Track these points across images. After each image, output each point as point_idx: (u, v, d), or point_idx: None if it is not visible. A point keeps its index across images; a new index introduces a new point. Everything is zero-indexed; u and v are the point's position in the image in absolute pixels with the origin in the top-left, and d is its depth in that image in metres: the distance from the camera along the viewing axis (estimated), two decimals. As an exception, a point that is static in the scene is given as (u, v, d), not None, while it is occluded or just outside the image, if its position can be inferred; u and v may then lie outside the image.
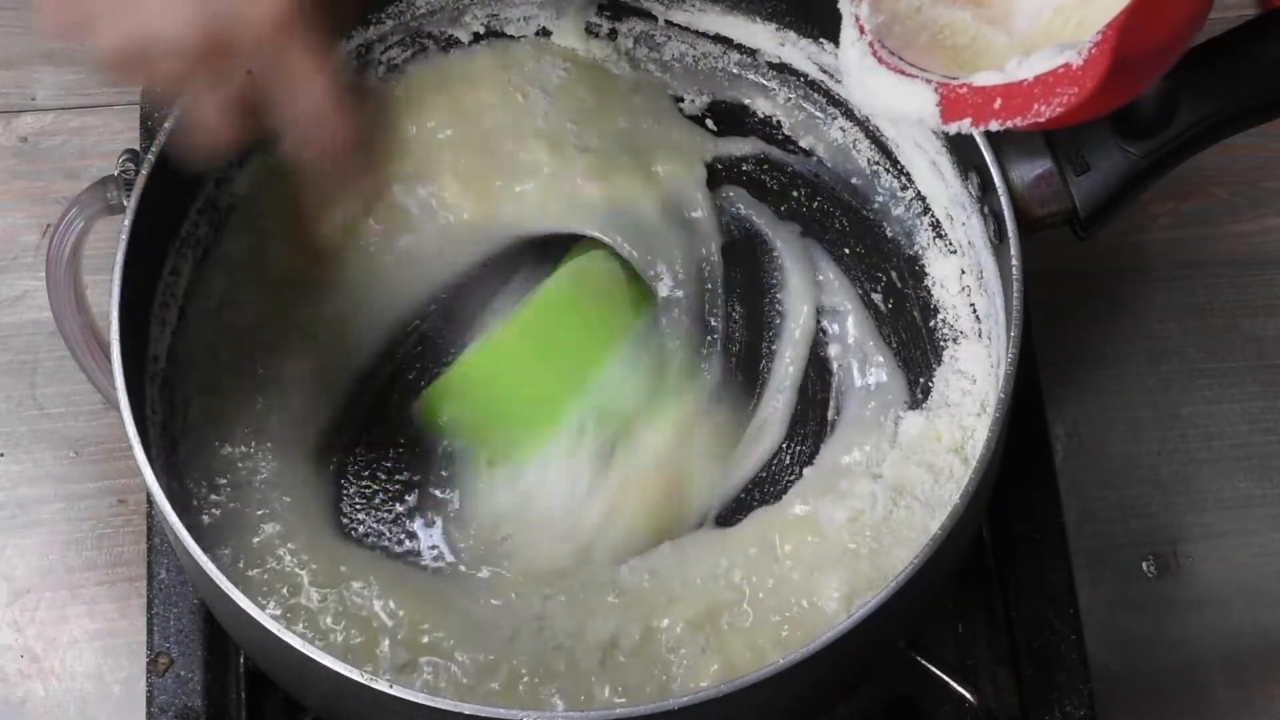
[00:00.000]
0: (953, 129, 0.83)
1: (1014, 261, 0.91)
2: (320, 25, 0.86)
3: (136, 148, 1.05)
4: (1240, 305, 1.16)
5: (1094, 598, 1.08)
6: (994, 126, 0.81)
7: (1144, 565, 1.10)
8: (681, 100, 1.11)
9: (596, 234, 1.05)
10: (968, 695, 0.98)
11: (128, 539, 1.09)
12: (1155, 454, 1.12)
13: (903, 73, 0.85)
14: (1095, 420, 1.13)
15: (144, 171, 0.94)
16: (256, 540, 0.97)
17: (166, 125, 0.95)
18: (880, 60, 0.85)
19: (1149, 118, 0.92)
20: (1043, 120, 0.78)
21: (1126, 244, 1.16)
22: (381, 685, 0.83)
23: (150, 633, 1.02)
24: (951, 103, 0.82)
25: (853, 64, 0.87)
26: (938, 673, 0.98)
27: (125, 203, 0.97)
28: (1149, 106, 0.92)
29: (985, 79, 0.81)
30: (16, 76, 1.21)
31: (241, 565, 0.96)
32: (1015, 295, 0.91)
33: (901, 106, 0.85)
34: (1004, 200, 0.93)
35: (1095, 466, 1.12)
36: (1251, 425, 1.13)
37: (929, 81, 0.83)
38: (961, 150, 0.97)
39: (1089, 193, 0.93)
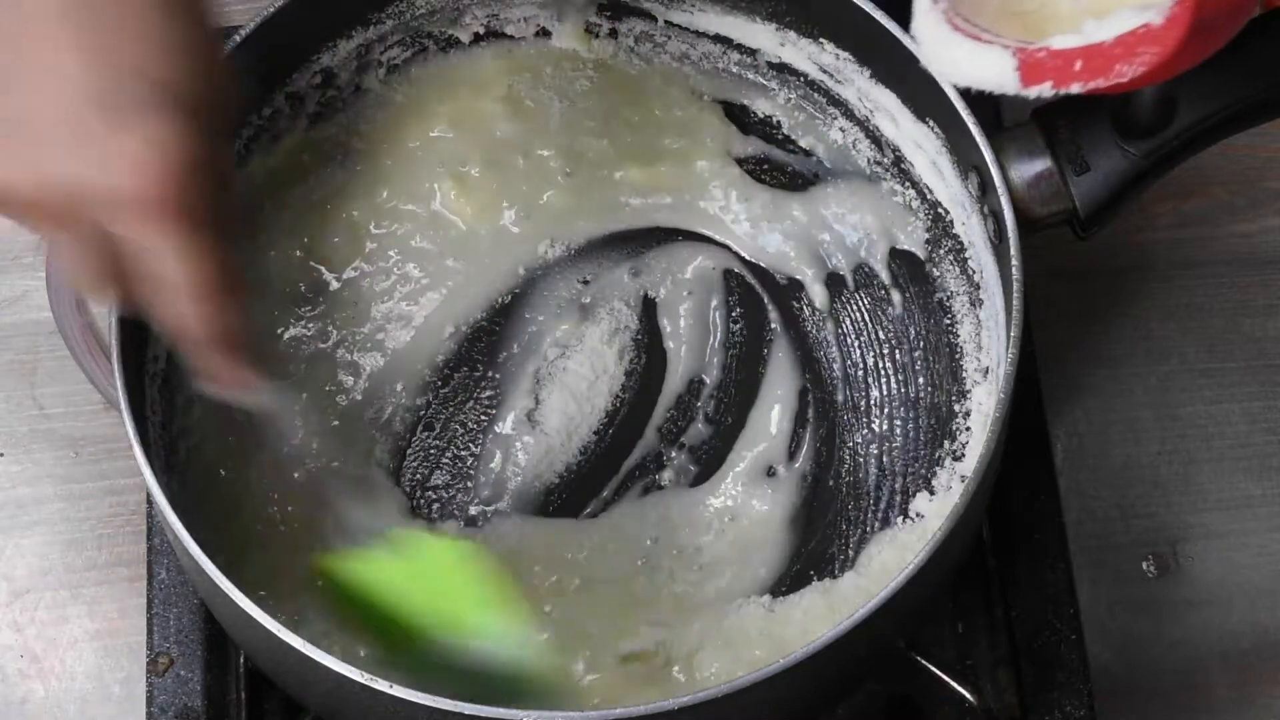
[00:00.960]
0: (1032, 94, 0.82)
1: (1014, 261, 0.91)
2: (206, 214, 0.76)
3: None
4: (1240, 305, 1.16)
5: (1094, 598, 1.08)
6: (1075, 89, 0.80)
7: (1144, 565, 1.10)
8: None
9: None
10: (968, 695, 0.98)
11: (128, 539, 1.09)
12: (1155, 454, 1.12)
13: (979, 39, 0.85)
14: (1095, 420, 1.13)
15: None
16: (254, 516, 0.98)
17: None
18: (956, 28, 0.85)
19: (1148, 118, 0.92)
20: (1124, 80, 0.78)
21: (1126, 244, 1.16)
22: (381, 685, 0.82)
23: (150, 633, 1.02)
24: (1030, 67, 0.82)
25: (927, 33, 0.87)
26: (938, 673, 0.98)
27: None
28: (1148, 106, 0.92)
29: (1064, 42, 0.81)
30: (16, 76, 1.21)
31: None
32: (1015, 295, 0.91)
33: (980, 74, 0.85)
34: (1003, 200, 0.93)
35: (1095, 466, 1.11)
36: (1251, 425, 1.13)
37: (1006, 47, 0.83)
38: (961, 150, 0.97)
39: (1089, 192, 0.93)
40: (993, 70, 0.84)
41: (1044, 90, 0.82)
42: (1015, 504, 1.05)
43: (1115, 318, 1.15)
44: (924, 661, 0.98)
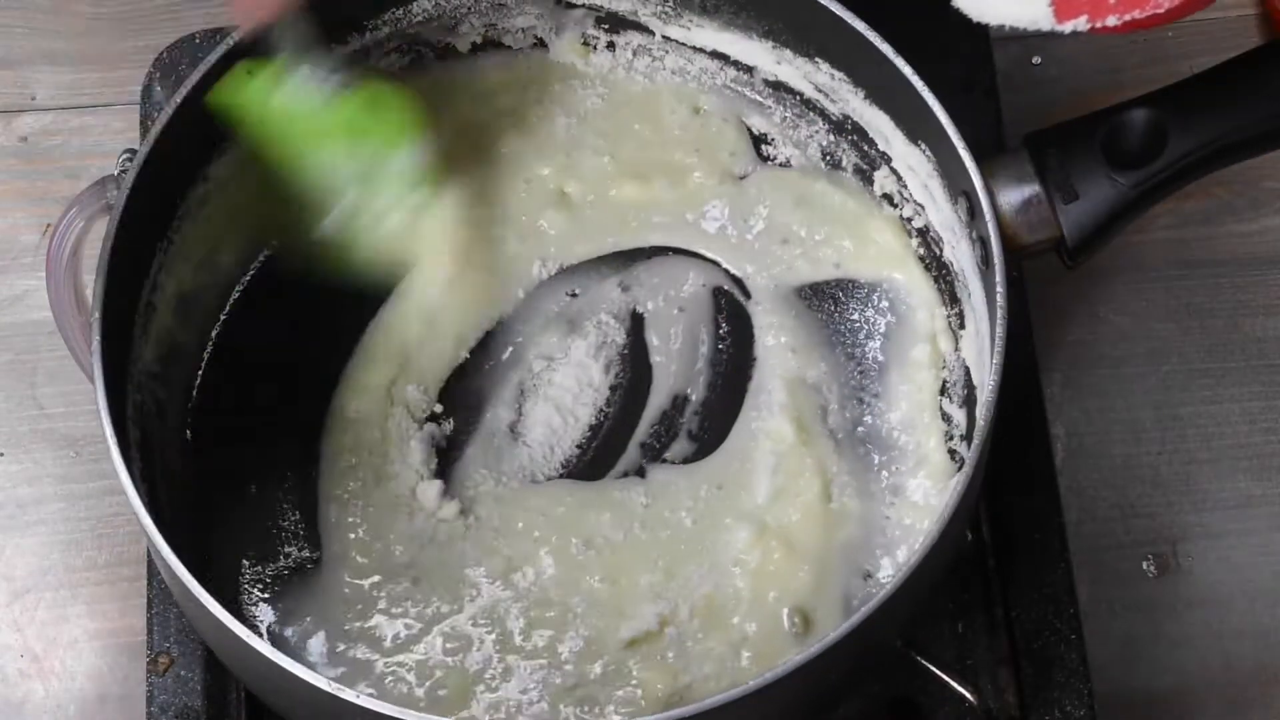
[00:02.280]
0: (1068, 28, 0.81)
1: (998, 289, 0.91)
2: None
3: (136, 148, 1.05)
4: (1240, 305, 1.16)
5: (1094, 598, 1.08)
6: (1111, 22, 0.79)
7: (1144, 565, 1.10)
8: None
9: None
10: (968, 695, 0.98)
11: (128, 539, 1.09)
12: (1155, 454, 1.12)
13: None
14: (1095, 420, 1.13)
15: (127, 182, 0.94)
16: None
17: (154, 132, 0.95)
18: None
19: (1138, 148, 0.91)
20: (1161, 11, 0.77)
21: (1126, 244, 1.16)
22: (348, 695, 0.83)
23: (150, 633, 1.02)
24: (1065, 2, 0.81)
25: None
26: (938, 673, 0.99)
27: (125, 203, 0.97)
28: (1139, 136, 0.91)
29: None
30: (16, 76, 1.21)
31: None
32: (999, 322, 0.90)
33: (1014, 11, 0.84)
34: (990, 225, 0.92)
35: (1095, 466, 1.11)
36: (1251, 425, 1.13)
37: None
38: (951, 174, 0.97)
39: (1077, 221, 0.93)
40: (1028, 7, 0.83)
41: (1079, 24, 0.81)
42: (1015, 504, 1.05)
43: (1115, 318, 1.15)
44: (924, 661, 0.99)
